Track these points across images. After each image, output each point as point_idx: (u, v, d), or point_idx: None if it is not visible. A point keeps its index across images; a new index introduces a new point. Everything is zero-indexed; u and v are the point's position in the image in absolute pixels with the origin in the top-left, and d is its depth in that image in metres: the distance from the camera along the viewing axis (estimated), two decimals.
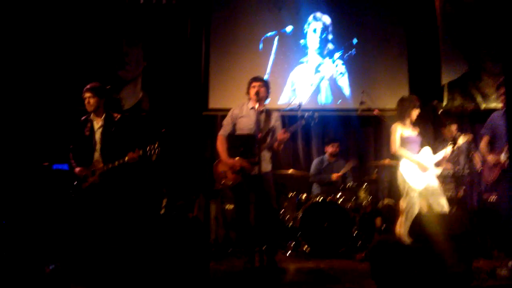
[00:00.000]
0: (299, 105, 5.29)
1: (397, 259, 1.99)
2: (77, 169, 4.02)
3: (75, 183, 3.98)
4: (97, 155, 4.05)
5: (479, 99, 6.42)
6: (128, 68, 5.90)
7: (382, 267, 2.01)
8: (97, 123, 4.12)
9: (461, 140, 4.81)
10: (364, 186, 5.36)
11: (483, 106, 6.37)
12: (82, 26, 5.64)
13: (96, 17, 5.75)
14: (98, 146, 4.06)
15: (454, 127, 5.52)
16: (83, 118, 4.19)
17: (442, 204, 4.54)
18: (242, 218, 4.16)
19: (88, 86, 4.09)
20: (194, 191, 5.33)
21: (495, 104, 6.27)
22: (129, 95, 5.88)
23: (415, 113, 4.70)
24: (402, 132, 4.66)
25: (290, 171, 5.38)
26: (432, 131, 6.33)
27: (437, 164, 4.76)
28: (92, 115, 4.15)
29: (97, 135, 4.08)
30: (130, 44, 5.97)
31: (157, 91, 5.96)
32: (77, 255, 3.64)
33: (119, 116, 4.20)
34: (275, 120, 4.28)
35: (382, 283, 2.04)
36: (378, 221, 5.28)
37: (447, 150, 4.70)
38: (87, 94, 4.06)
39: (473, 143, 5.53)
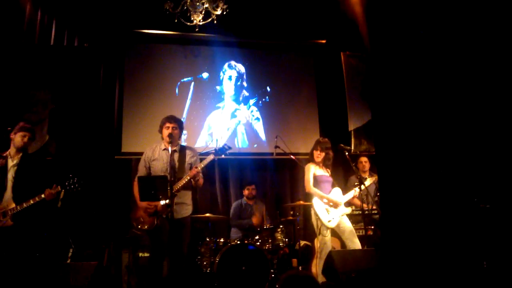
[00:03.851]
0: (215, 149, 5.35)
1: None
2: None
3: None
4: (8, 194, 3.85)
5: None
6: (35, 109, 5.56)
7: None
8: (12, 161, 3.97)
9: (368, 181, 5.13)
10: (280, 228, 5.41)
11: None
12: None
13: (2, 56, 5.42)
14: (9, 184, 3.87)
15: (364, 159, 5.91)
16: None
17: (355, 242, 4.73)
18: (154, 265, 3.98)
19: (30, 126, 4.09)
20: (105, 239, 5.01)
21: None
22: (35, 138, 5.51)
23: (315, 154, 4.95)
24: (315, 171, 4.89)
25: (207, 214, 5.29)
26: (342, 172, 6.67)
27: (347, 204, 5.01)
28: (9, 152, 4.02)
29: (10, 173, 3.90)
30: (38, 86, 5.66)
31: (66, 134, 5.66)
32: None
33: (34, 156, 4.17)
34: (190, 157, 4.24)
35: None
36: (295, 262, 5.32)
37: (355, 190, 4.97)
38: (29, 134, 4.03)
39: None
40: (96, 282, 3.35)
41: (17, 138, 4.01)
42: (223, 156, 4.30)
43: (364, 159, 6.00)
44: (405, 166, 2.38)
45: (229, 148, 4.27)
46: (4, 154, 4.00)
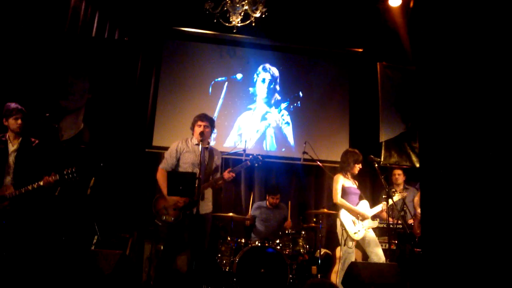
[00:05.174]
0: (244, 150, 5.40)
1: None
2: None
3: None
4: (8, 179, 3.88)
5: (414, 158, 6.78)
6: (71, 98, 5.72)
7: None
8: (13, 145, 3.97)
9: (396, 197, 5.03)
10: (302, 234, 5.38)
11: (418, 165, 6.70)
12: (27, 52, 5.47)
13: (45, 43, 5.61)
14: (11, 170, 3.89)
15: (399, 171, 5.80)
16: None
17: (380, 255, 4.66)
18: (167, 257, 4.05)
19: (19, 106, 3.98)
20: (129, 229, 5.11)
21: None
22: (70, 126, 5.66)
23: (357, 167, 4.90)
24: (344, 182, 4.83)
25: (230, 214, 5.32)
26: (370, 184, 6.58)
27: (374, 217, 4.94)
28: (8, 135, 4.00)
29: (11, 158, 3.92)
30: (77, 75, 5.83)
31: (100, 124, 5.80)
32: None
33: (37, 141, 4.09)
34: (217, 159, 4.35)
35: None
36: (314, 269, 5.28)
37: (383, 204, 4.90)
38: (20, 115, 3.95)
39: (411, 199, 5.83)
40: (119, 270, 3.41)
41: (11, 123, 3.96)
42: (256, 165, 4.48)
43: (398, 171, 5.89)
44: (453, 181, 2.27)
45: (262, 159, 4.45)
46: (4, 139, 3.97)
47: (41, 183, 3.79)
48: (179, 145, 4.29)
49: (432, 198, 2.33)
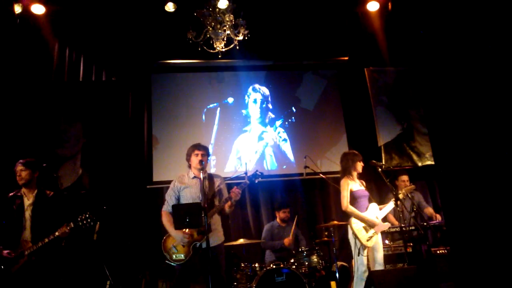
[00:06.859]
0: (245, 173, 5.34)
1: None
2: (5, 252, 3.75)
3: (2, 268, 3.70)
4: (26, 233, 3.86)
5: (415, 157, 6.75)
6: (67, 145, 5.70)
7: None
8: (28, 200, 3.97)
9: (401, 195, 4.95)
10: (316, 250, 5.29)
11: (420, 164, 6.69)
12: (18, 103, 5.47)
13: (34, 94, 5.62)
14: (28, 224, 3.88)
15: (405, 178, 5.76)
16: (11, 194, 4.01)
17: (381, 261, 4.56)
18: None
19: (20, 160, 4.02)
20: (140, 269, 5.01)
21: (430, 161, 6.63)
22: (68, 173, 5.63)
23: (359, 165, 4.83)
24: (352, 187, 4.72)
25: (241, 241, 5.23)
26: (375, 189, 6.51)
27: (384, 220, 4.86)
28: (22, 190, 4.01)
29: (28, 213, 3.91)
30: (69, 121, 5.83)
31: (99, 167, 5.76)
32: None
33: (52, 193, 4.08)
34: (219, 183, 4.25)
35: None
36: (333, 284, 5.18)
37: (391, 205, 4.82)
38: (19, 167, 3.98)
39: (421, 200, 5.80)
40: None
41: (17, 178, 4.00)
42: (256, 181, 4.27)
43: (404, 177, 5.82)
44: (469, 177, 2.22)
45: (261, 174, 4.26)
46: (19, 194, 4.00)
47: (57, 234, 3.78)
48: (175, 184, 4.20)
49: (451, 195, 2.29)
